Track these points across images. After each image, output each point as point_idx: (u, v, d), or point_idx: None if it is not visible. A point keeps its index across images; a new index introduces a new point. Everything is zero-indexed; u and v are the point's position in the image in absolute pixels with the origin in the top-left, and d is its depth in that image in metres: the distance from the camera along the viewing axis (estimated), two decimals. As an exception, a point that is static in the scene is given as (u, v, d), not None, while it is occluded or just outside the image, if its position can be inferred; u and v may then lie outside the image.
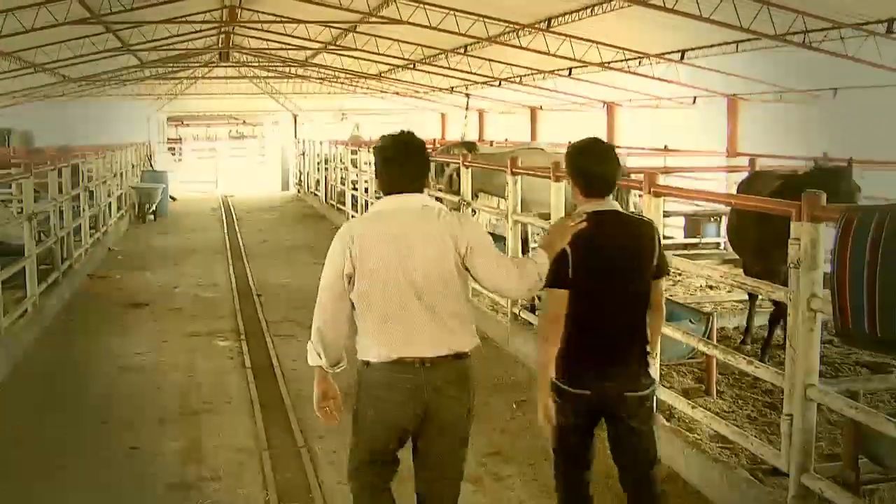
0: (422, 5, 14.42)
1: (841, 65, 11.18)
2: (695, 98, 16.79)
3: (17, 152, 19.29)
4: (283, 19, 18.03)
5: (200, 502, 5.14)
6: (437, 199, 11.67)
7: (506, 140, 21.45)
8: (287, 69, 26.28)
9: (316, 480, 5.33)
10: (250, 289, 11.82)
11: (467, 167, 9.70)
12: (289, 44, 21.09)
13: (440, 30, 15.22)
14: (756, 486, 4.65)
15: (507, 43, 15.86)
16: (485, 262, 3.55)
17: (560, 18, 13.56)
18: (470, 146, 14.52)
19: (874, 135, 12.23)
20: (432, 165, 11.79)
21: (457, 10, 14.46)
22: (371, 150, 13.54)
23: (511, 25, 14.84)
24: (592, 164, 3.78)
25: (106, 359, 8.35)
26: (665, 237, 9.22)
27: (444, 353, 3.51)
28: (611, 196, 3.82)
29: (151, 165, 27.53)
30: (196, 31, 19.44)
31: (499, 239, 9.78)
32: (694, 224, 12.88)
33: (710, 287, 9.99)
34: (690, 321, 7.07)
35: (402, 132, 3.72)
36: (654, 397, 3.92)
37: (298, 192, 27.80)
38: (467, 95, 24.65)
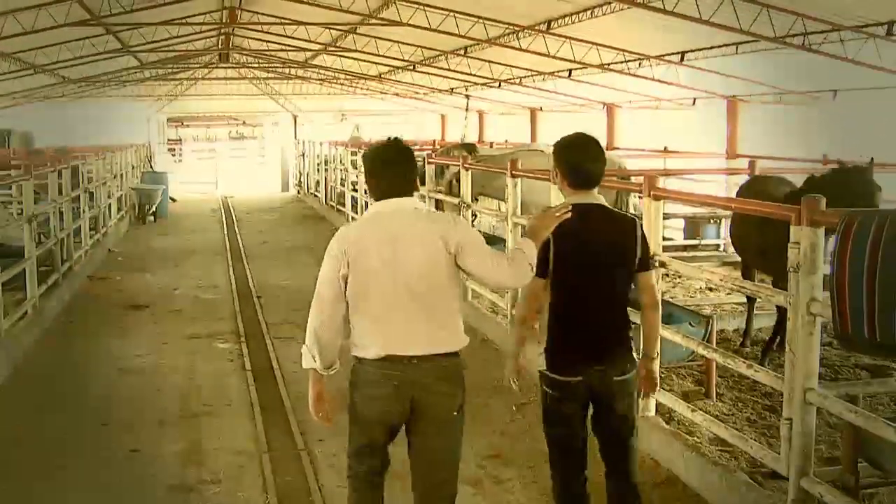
0: (422, 7, 14.43)
1: (841, 66, 11.17)
2: (694, 99, 16.78)
3: (17, 153, 19.31)
4: (283, 21, 18.03)
5: (200, 505, 5.16)
6: (438, 201, 11.71)
7: (506, 141, 21.45)
8: (287, 70, 26.28)
9: (316, 484, 5.34)
10: (250, 290, 11.83)
11: (467, 170, 9.71)
12: (289, 45, 21.10)
13: (440, 31, 15.22)
14: (756, 490, 4.65)
15: (506, 45, 15.87)
16: (476, 259, 3.65)
17: (560, 20, 13.56)
18: (470, 148, 14.54)
19: (874, 136, 12.22)
20: (433, 167, 11.85)
21: (457, 12, 14.47)
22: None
23: (511, 27, 14.84)
24: (580, 158, 3.96)
25: (106, 361, 8.36)
26: (665, 239, 9.24)
27: (432, 351, 3.63)
28: (596, 190, 3.98)
29: (151, 166, 27.54)
30: (196, 33, 19.44)
31: (499, 241, 9.80)
32: (693, 226, 12.90)
33: (710, 289, 10.00)
34: (690, 324, 7.09)
35: (389, 139, 3.86)
36: (636, 379, 4.07)
37: (298, 193, 27.82)
38: (467, 97, 24.66)
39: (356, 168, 18.27)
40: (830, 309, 3.85)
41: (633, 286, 4.05)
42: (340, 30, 18.29)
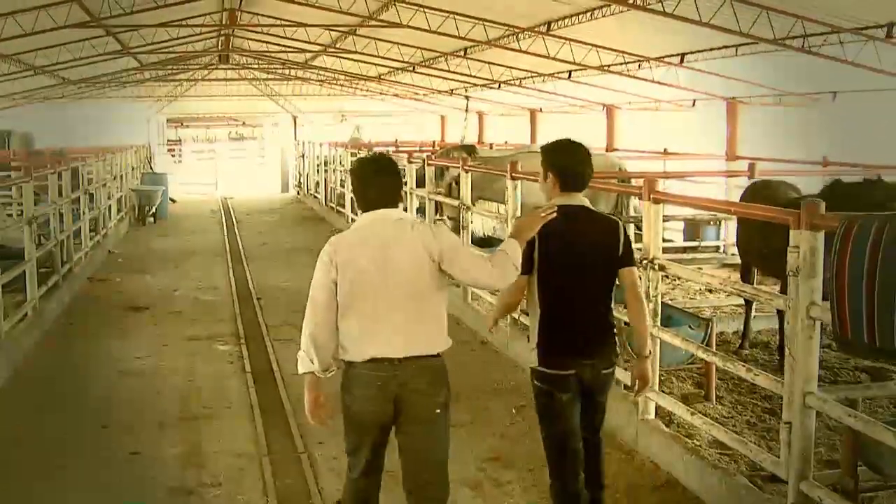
0: (422, 9, 14.42)
1: (840, 68, 11.16)
2: (694, 101, 16.77)
3: (17, 154, 19.31)
4: (283, 22, 18.03)
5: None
6: (437, 202, 11.71)
7: (505, 142, 21.45)
8: (287, 71, 26.27)
9: (316, 487, 5.35)
10: (250, 292, 11.83)
11: (467, 172, 9.71)
12: (289, 46, 21.10)
13: (440, 33, 15.21)
14: (755, 493, 4.66)
15: (506, 46, 15.86)
16: (459, 263, 3.87)
17: (559, 22, 13.56)
18: (469, 149, 14.53)
19: (874, 138, 12.24)
20: (432, 169, 11.85)
21: (457, 14, 14.46)
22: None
23: (511, 29, 14.83)
24: (572, 161, 4.17)
25: (106, 363, 8.37)
26: (665, 240, 9.24)
27: (415, 353, 3.82)
28: (581, 193, 4.18)
29: (151, 167, 27.54)
30: (196, 34, 19.44)
31: (499, 243, 9.80)
32: (693, 227, 12.91)
33: (710, 291, 10.01)
34: (690, 327, 7.09)
35: (375, 154, 4.25)
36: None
37: (298, 194, 27.82)
38: (467, 98, 24.65)
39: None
40: (830, 313, 3.85)
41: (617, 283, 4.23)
42: (340, 31, 18.28)
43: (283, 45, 21.08)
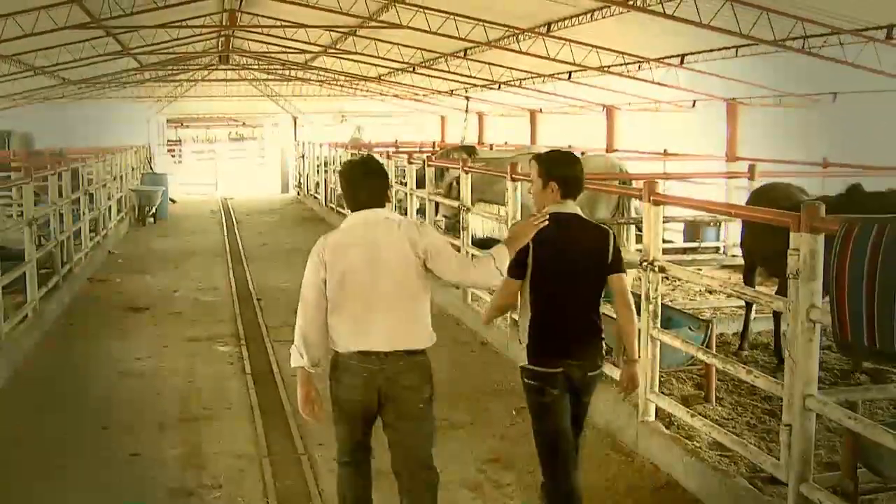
0: (422, 10, 14.42)
1: (840, 69, 11.17)
2: (694, 102, 16.78)
3: (16, 155, 19.30)
4: (283, 23, 18.03)
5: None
6: (437, 203, 11.71)
7: (505, 143, 21.46)
8: (287, 72, 26.27)
9: (316, 488, 5.35)
10: (250, 293, 11.83)
11: (467, 173, 9.71)
12: (289, 47, 21.10)
13: (440, 34, 15.22)
14: (755, 495, 4.66)
15: (506, 47, 15.86)
16: (442, 261, 4.02)
17: (560, 23, 13.56)
18: (469, 150, 14.54)
19: (874, 139, 12.25)
20: (432, 170, 11.85)
21: (457, 15, 14.46)
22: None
23: (511, 30, 14.84)
24: (573, 171, 4.31)
25: (106, 363, 8.36)
26: (665, 241, 9.24)
27: (400, 347, 3.98)
28: (573, 201, 4.30)
29: (151, 168, 27.53)
30: (196, 35, 19.44)
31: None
32: (693, 228, 12.90)
33: (710, 292, 10.00)
34: (690, 328, 7.08)
35: (363, 156, 4.35)
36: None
37: (298, 194, 27.82)
38: (467, 98, 24.66)
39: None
40: (830, 316, 3.85)
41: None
42: (340, 32, 18.28)
43: (283, 46, 21.08)
